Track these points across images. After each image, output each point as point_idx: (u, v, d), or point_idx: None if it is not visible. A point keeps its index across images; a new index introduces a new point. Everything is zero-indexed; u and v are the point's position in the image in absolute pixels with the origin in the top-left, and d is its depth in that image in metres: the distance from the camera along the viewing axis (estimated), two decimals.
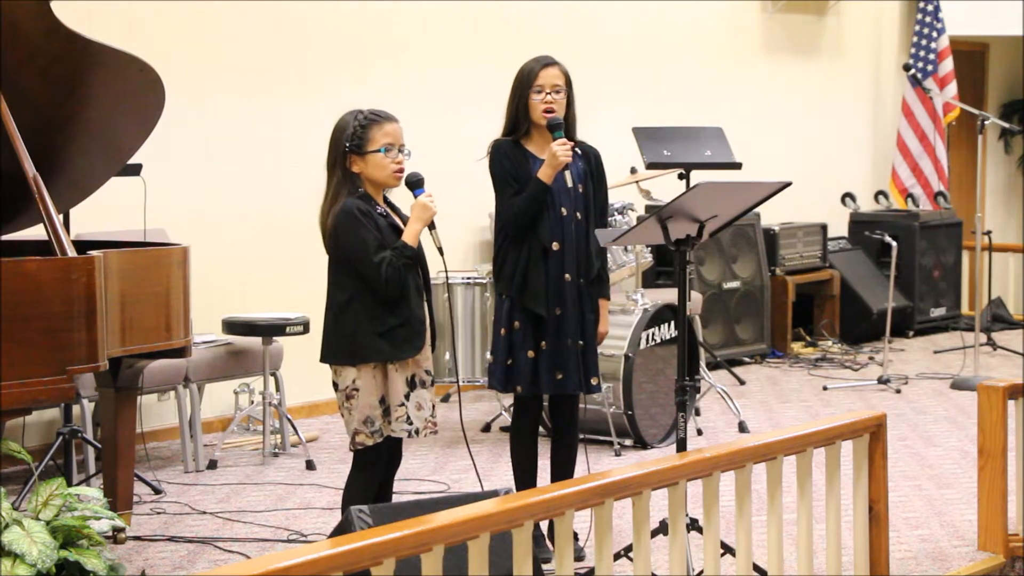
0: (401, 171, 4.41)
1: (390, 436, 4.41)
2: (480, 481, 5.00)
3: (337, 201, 4.35)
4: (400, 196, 4.55)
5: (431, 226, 4.42)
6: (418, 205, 4.40)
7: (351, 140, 4.36)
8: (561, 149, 4.84)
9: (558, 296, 4.96)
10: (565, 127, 4.91)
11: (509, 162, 4.94)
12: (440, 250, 4.43)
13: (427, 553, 3.05)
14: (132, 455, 5.37)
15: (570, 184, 4.95)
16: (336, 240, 4.35)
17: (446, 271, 4.68)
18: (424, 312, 4.46)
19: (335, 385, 4.44)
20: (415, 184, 4.45)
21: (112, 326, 4.66)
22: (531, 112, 4.93)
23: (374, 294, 4.34)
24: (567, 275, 4.96)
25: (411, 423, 4.41)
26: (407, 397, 4.40)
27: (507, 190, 4.94)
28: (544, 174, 4.87)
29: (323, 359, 4.46)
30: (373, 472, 4.48)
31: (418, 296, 4.44)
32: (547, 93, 4.90)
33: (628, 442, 6.79)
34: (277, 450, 6.72)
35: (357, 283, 4.35)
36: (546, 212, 4.92)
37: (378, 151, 4.36)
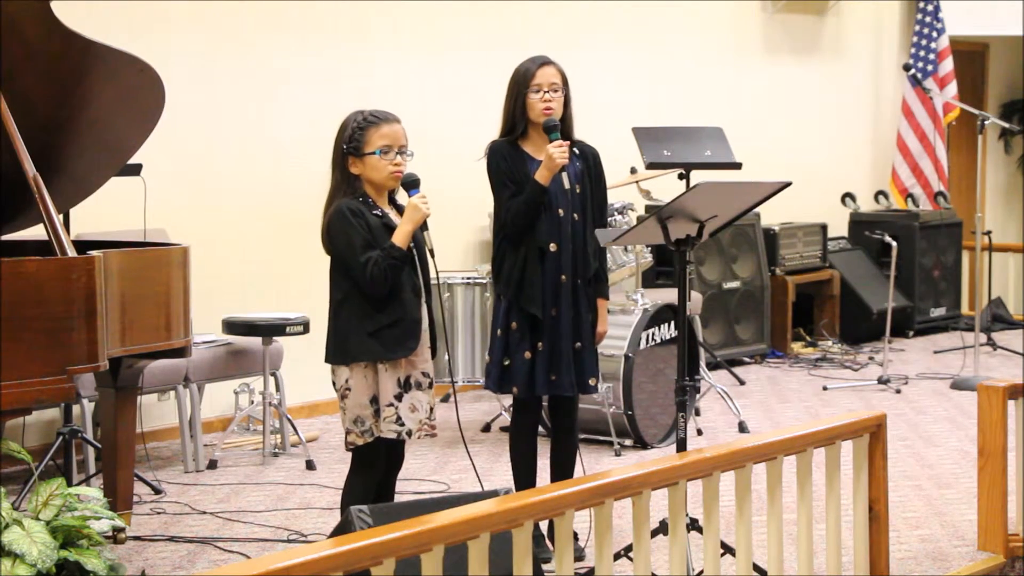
0: (399, 173, 4.40)
1: (381, 437, 4.41)
2: (480, 482, 5.00)
3: (332, 202, 4.37)
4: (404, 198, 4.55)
5: (423, 227, 4.41)
6: (410, 206, 4.39)
7: (349, 142, 4.37)
8: (558, 151, 4.83)
9: (555, 297, 4.95)
10: (562, 127, 4.91)
11: (507, 163, 4.94)
12: (431, 252, 4.42)
13: (427, 553, 3.05)
14: (132, 455, 5.37)
15: (567, 186, 4.94)
16: (330, 239, 4.38)
17: (437, 273, 4.67)
18: (421, 313, 4.46)
19: (334, 384, 4.45)
20: (410, 185, 4.44)
21: (112, 326, 4.66)
22: (529, 111, 4.93)
23: (365, 294, 4.34)
24: (563, 276, 4.96)
25: (402, 424, 4.40)
26: (398, 398, 4.39)
27: (505, 192, 4.94)
28: (541, 176, 4.87)
29: (325, 358, 4.47)
30: (371, 472, 4.48)
31: (415, 297, 4.43)
32: (545, 92, 4.89)
33: (628, 442, 6.79)
34: (277, 450, 6.72)
35: (350, 283, 4.37)
36: (543, 213, 4.92)
37: (373, 153, 4.36)
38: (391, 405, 4.39)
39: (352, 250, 4.31)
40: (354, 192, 4.38)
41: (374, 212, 4.38)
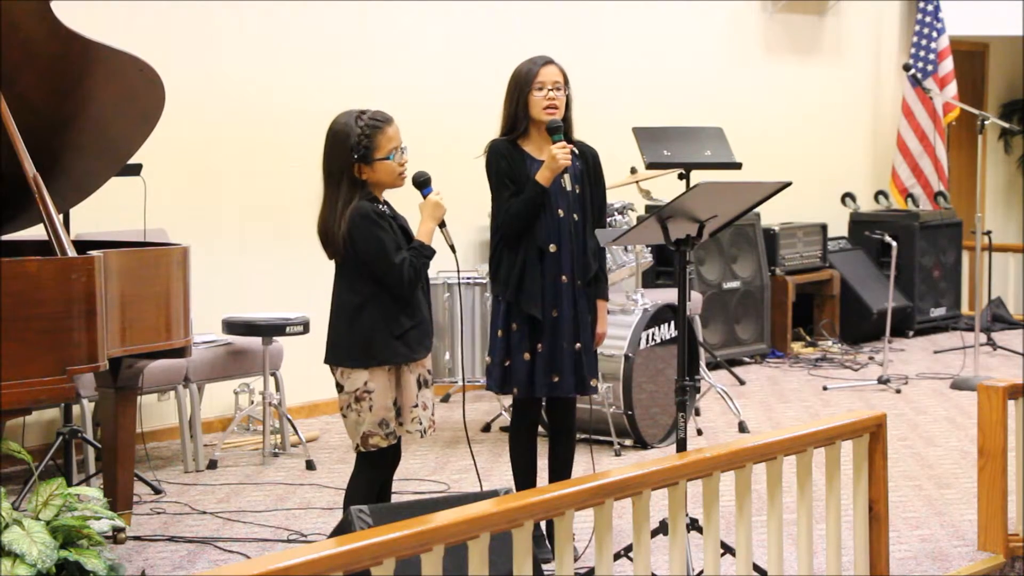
0: (404, 171, 4.42)
1: (401, 437, 4.43)
2: (480, 482, 4.99)
3: (347, 207, 4.33)
4: (400, 195, 4.54)
5: (442, 224, 4.43)
6: (430, 204, 4.41)
7: (357, 149, 4.34)
8: (561, 152, 4.83)
9: (555, 298, 4.95)
10: (564, 128, 4.91)
11: (506, 162, 4.93)
12: (452, 248, 4.44)
13: (427, 553, 3.05)
14: (132, 455, 5.37)
15: (568, 187, 4.94)
16: (352, 243, 4.32)
17: (458, 269, 4.69)
18: (430, 312, 4.48)
19: (339, 387, 4.42)
20: (423, 183, 4.45)
21: (112, 326, 4.66)
22: (531, 109, 4.91)
23: (390, 296, 4.34)
24: (564, 277, 4.95)
25: (420, 423, 4.43)
26: (416, 398, 4.42)
27: (504, 191, 4.93)
28: (543, 177, 4.87)
29: (333, 361, 4.42)
30: (380, 471, 4.49)
31: (424, 297, 4.45)
32: (548, 90, 4.89)
33: (628, 442, 6.79)
34: (277, 450, 6.72)
35: (372, 286, 4.35)
36: (543, 214, 4.92)
37: (387, 158, 4.35)
38: (416, 406, 4.41)
39: (384, 252, 4.30)
40: (366, 195, 4.37)
41: (388, 213, 4.40)
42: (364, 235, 4.31)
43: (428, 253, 4.36)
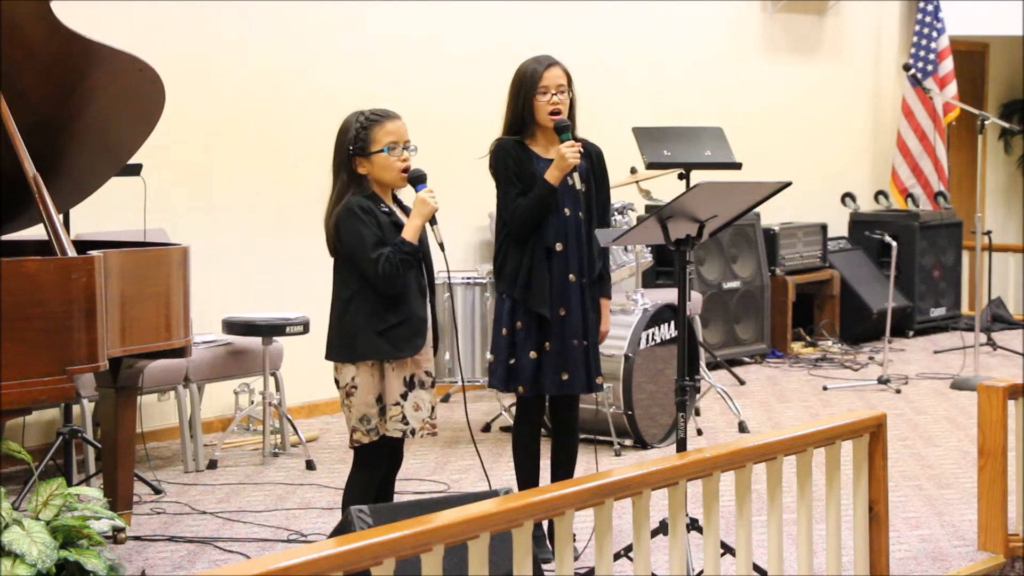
0: (408, 169, 4.42)
1: (387, 436, 4.42)
2: (488, 477, 4.99)
3: (339, 202, 4.37)
4: (409, 195, 4.55)
5: (432, 222, 4.42)
6: (418, 200, 4.41)
7: (354, 143, 4.37)
8: (570, 151, 4.83)
9: (562, 297, 4.95)
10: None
11: (514, 161, 4.92)
12: (441, 245, 4.43)
13: (427, 553, 3.05)
14: (132, 455, 5.37)
15: (578, 185, 4.94)
16: (338, 237, 4.37)
17: (447, 267, 4.67)
18: (426, 312, 4.47)
19: (336, 382, 4.45)
20: (417, 180, 4.45)
21: (112, 326, 4.66)
22: (536, 113, 4.90)
23: (375, 292, 4.35)
24: (571, 275, 4.95)
25: (407, 423, 4.41)
26: (404, 397, 4.40)
27: (512, 190, 4.91)
28: (552, 176, 4.86)
29: (328, 356, 4.47)
30: (373, 471, 4.48)
31: (420, 295, 4.44)
32: (552, 94, 4.88)
33: (628, 442, 6.79)
34: (277, 450, 6.72)
35: (360, 281, 4.37)
36: (550, 213, 4.91)
37: (382, 151, 4.37)
38: (397, 404, 4.40)
39: (363, 247, 4.31)
40: (363, 191, 4.38)
41: (383, 210, 4.39)
42: (347, 230, 4.33)
43: (407, 249, 4.34)
